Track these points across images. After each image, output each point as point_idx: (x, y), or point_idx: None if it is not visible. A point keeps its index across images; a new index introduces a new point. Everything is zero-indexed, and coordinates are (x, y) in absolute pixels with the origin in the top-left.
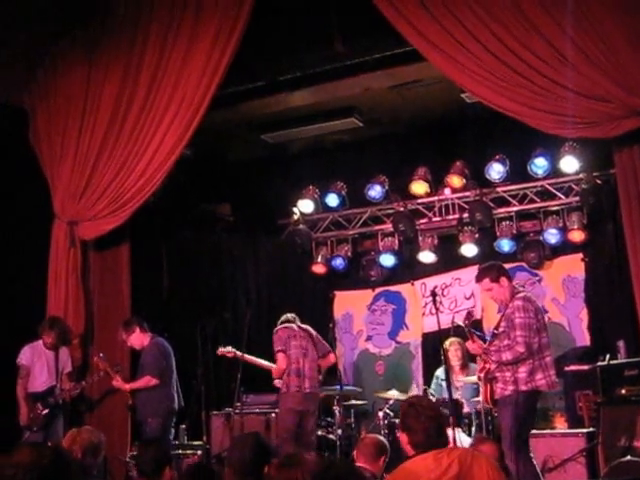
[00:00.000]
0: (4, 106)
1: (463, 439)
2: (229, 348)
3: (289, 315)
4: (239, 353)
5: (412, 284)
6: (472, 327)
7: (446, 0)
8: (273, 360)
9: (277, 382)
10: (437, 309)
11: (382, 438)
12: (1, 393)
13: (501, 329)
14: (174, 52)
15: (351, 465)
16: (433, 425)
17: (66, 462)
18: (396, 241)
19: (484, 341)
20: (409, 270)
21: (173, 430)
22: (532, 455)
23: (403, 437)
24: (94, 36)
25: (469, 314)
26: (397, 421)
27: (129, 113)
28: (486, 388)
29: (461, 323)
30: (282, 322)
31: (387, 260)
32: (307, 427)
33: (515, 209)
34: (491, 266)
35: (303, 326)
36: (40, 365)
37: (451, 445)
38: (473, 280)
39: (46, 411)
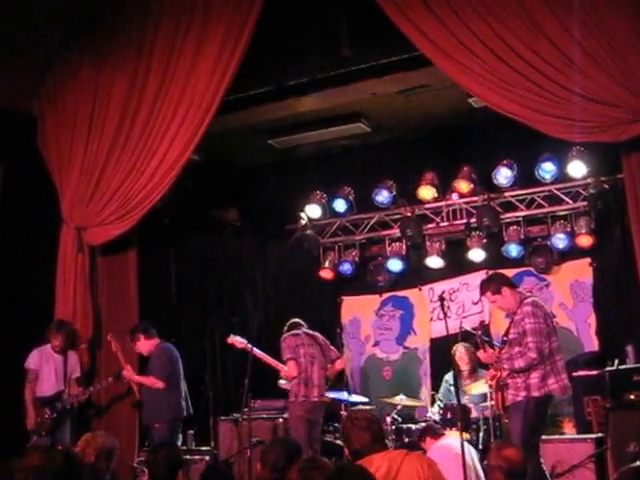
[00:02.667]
0: (13, 112)
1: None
2: (240, 338)
3: (296, 320)
4: (249, 345)
5: (420, 289)
6: (484, 336)
7: (453, 4)
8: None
9: (282, 383)
10: (445, 314)
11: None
12: (9, 397)
13: (511, 336)
14: (182, 56)
15: (363, 469)
16: (366, 435)
17: (77, 466)
18: (403, 246)
19: (492, 347)
20: (417, 275)
21: (181, 435)
22: (542, 461)
23: (345, 449)
24: (102, 40)
25: (481, 324)
26: (404, 426)
27: (137, 117)
28: (497, 396)
29: (472, 331)
30: (289, 327)
31: (395, 265)
32: (313, 435)
33: (523, 214)
34: (490, 279)
35: (310, 332)
36: (48, 369)
37: (455, 453)
38: None
39: (54, 416)
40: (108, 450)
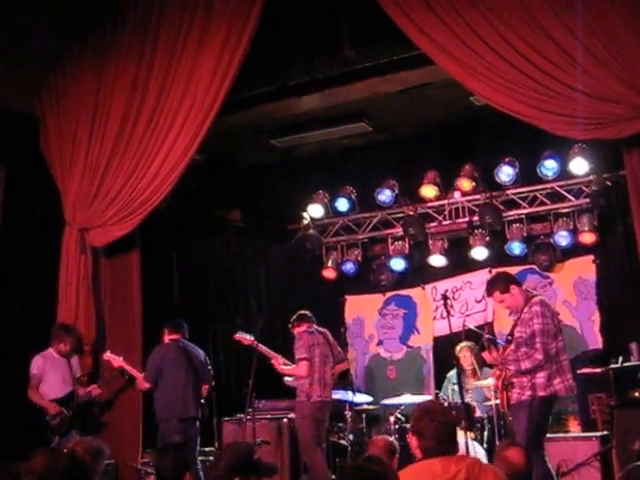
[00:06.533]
0: (15, 114)
1: (477, 449)
2: (248, 335)
3: (305, 313)
4: (256, 342)
5: (423, 288)
6: (492, 337)
7: (455, 3)
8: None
9: (289, 380)
10: (448, 313)
11: (392, 439)
12: (14, 400)
13: (517, 334)
14: (184, 56)
15: (385, 465)
16: (444, 432)
17: (82, 469)
18: (406, 245)
19: (496, 346)
20: (419, 274)
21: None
22: (547, 459)
23: (413, 441)
24: (104, 42)
25: (490, 326)
26: (408, 426)
27: (139, 118)
28: (502, 395)
29: (479, 331)
30: (299, 320)
31: (397, 264)
32: (320, 433)
33: (525, 211)
34: (497, 278)
35: (322, 330)
36: (54, 373)
37: (461, 452)
38: (484, 283)
39: (70, 413)
40: (95, 450)
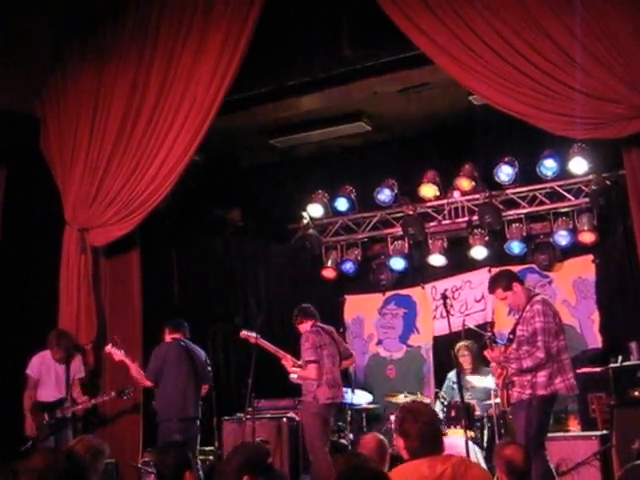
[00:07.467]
0: (15, 114)
1: (477, 450)
2: (253, 333)
3: (309, 308)
4: (263, 341)
5: (422, 287)
6: (494, 336)
7: (454, 3)
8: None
9: (294, 377)
10: (448, 312)
11: (381, 437)
12: (14, 401)
13: (519, 333)
14: (183, 57)
15: (378, 468)
16: (429, 431)
17: (80, 468)
18: (406, 244)
19: (496, 344)
20: (419, 273)
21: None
22: (548, 458)
23: (399, 442)
24: (104, 41)
25: (492, 324)
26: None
27: (139, 118)
28: (503, 393)
29: (482, 332)
30: (304, 315)
31: (397, 264)
32: (327, 433)
33: (525, 211)
34: (500, 275)
35: (327, 328)
36: (48, 377)
37: (461, 451)
38: (483, 283)
39: (52, 422)
40: (96, 449)
